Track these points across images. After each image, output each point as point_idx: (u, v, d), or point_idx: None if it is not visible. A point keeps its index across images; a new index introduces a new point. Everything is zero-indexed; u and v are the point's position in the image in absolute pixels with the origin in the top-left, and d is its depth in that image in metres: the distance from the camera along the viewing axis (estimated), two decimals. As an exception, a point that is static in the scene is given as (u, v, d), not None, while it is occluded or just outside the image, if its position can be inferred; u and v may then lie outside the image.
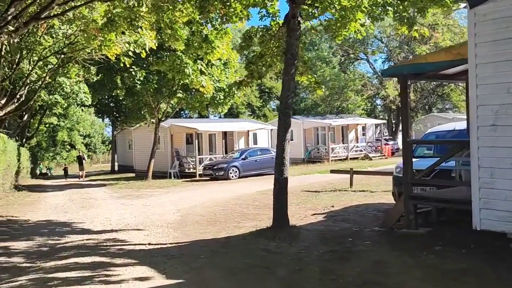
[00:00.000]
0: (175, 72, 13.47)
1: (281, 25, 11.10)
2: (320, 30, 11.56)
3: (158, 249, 8.59)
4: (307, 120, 37.53)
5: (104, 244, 9.24)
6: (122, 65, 18.05)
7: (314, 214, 11.93)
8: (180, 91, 23.15)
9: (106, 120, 64.37)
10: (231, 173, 25.62)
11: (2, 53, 17.67)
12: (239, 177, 25.69)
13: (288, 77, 9.15)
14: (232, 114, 59.06)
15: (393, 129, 48.58)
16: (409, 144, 9.29)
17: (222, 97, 24.36)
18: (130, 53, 17.88)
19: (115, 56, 16.77)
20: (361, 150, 37.32)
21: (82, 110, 35.30)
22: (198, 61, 14.81)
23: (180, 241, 9.38)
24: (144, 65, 23.28)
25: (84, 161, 36.43)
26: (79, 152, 42.49)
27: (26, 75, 20.09)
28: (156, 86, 22.50)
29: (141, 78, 22.08)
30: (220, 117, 61.47)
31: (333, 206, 13.41)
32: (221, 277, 6.49)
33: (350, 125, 38.24)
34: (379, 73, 44.76)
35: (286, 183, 9.52)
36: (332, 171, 19.75)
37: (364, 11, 9.65)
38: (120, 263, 7.35)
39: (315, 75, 13.50)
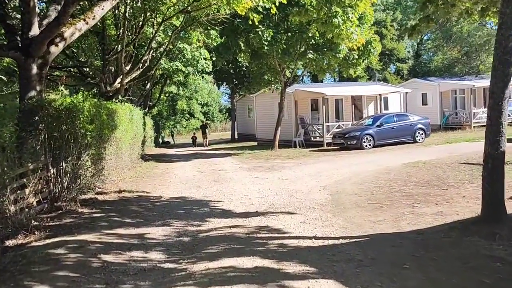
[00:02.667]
0: (320, 24, 11.08)
1: None
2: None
3: (330, 246, 6.48)
4: (444, 82, 33.30)
5: (257, 235, 7.34)
6: (250, 22, 16.03)
7: (514, 198, 9.08)
8: (311, 51, 20.74)
9: (222, 88, 64.33)
10: (364, 142, 22.97)
11: (127, 15, 16.51)
12: (374, 147, 22.99)
13: (510, 9, 6.41)
14: (350, 78, 55.24)
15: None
16: None
17: (356, 57, 21.58)
18: (260, 9, 15.89)
19: (244, 12, 14.83)
20: (508, 115, 32.43)
21: (203, 77, 34.36)
22: (349, 8, 12.32)
23: (352, 234, 7.21)
24: (271, 25, 21.18)
25: (207, 129, 36.99)
26: (203, 122, 43.30)
27: (149, 39, 18.92)
28: (284, 46, 20.30)
29: (269, 38, 19.97)
30: (333, 82, 58.33)
31: (528, 186, 10.44)
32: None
33: (494, 87, 33.35)
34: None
35: (503, 159, 6.88)
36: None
37: None
38: (293, 272, 5.31)
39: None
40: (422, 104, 33.37)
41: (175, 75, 31.49)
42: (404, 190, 11.19)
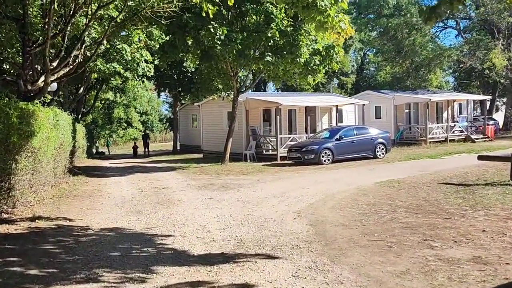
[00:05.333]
0: (301, 8, 8.67)
1: None
2: None
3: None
4: (399, 95, 32.04)
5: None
6: (204, 14, 13.47)
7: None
8: (269, 53, 18.36)
9: (163, 96, 60.98)
10: (323, 156, 20.93)
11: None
12: (332, 162, 20.99)
13: None
14: (295, 90, 53.46)
15: (488, 106, 42.31)
16: None
17: (317, 62, 19.45)
18: (216, -1, 13.38)
19: (199, 0, 12.28)
20: (461, 131, 31.64)
21: (143, 82, 31.26)
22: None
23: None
24: (224, 22, 18.73)
25: (149, 139, 35.89)
26: (145, 131, 42.25)
27: (82, 30, 15.90)
28: (240, 47, 17.81)
29: (222, 37, 17.45)
30: (277, 91, 56.67)
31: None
32: None
33: (447, 102, 32.49)
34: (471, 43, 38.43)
35: None
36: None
37: None
38: None
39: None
40: (376, 118, 31.95)
41: (112, 79, 28.33)
42: (399, 219, 9.00)
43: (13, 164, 9.19)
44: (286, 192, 12.82)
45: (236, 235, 7.96)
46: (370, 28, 47.56)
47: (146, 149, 35.10)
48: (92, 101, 37.54)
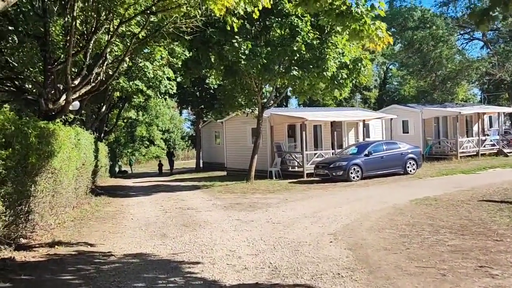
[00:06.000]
0: (335, 16, 8.06)
1: None
2: None
3: None
4: (427, 108, 31.12)
5: None
6: (228, 28, 12.99)
7: None
8: (295, 67, 17.78)
9: (185, 114, 60.91)
10: (352, 173, 20.15)
11: (75, 14, 13.14)
12: (362, 178, 20.19)
13: None
14: (318, 105, 52.50)
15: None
16: None
17: (345, 76, 18.78)
18: (241, 11, 12.91)
19: (223, 12, 11.80)
20: (493, 145, 30.49)
21: (165, 99, 31.03)
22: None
23: None
24: (248, 37, 18.27)
25: (174, 157, 37.09)
26: (170, 149, 43.94)
27: (104, 47, 15.59)
28: (265, 61, 17.29)
29: (247, 51, 16.97)
30: (299, 107, 56.20)
31: None
32: None
33: (477, 115, 31.41)
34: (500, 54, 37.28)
35: None
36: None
37: None
38: None
39: None
40: (403, 132, 31.02)
41: (135, 97, 28.14)
42: (445, 242, 8.24)
43: (32, 186, 8.71)
44: (317, 212, 12.12)
45: (270, 261, 7.30)
46: (393, 42, 46.81)
47: (171, 167, 35.65)
48: (115, 120, 37.52)
